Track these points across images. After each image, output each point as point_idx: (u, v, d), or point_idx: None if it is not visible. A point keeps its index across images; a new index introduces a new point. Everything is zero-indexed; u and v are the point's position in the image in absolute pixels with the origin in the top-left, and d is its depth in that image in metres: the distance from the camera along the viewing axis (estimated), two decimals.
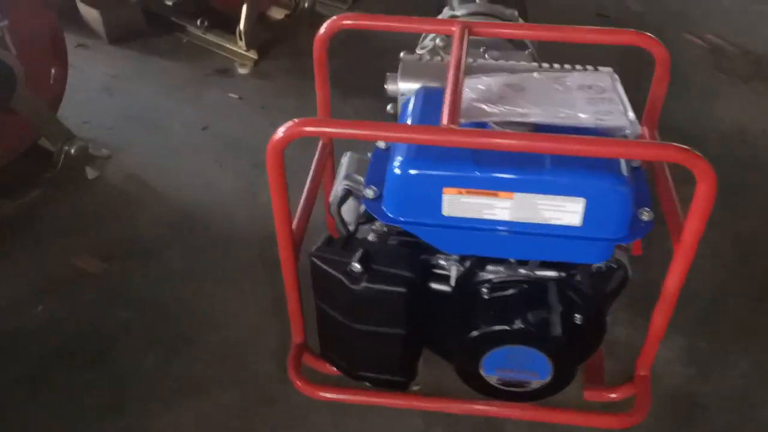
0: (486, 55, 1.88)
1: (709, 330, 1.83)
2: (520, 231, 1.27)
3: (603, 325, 1.43)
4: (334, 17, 1.57)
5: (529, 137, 1.18)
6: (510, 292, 1.39)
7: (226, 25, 3.08)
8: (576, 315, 1.36)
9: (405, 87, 1.50)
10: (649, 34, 1.49)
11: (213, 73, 2.97)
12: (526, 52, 1.97)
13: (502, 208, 1.25)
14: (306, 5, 3.17)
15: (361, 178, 1.56)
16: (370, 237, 1.47)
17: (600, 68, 1.48)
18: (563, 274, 1.37)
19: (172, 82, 2.92)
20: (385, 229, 1.47)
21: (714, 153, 1.23)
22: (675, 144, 1.15)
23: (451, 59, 1.39)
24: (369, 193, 1.35)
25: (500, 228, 1.28)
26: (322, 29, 1.58)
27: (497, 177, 1.23)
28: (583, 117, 1.26)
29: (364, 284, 1.36)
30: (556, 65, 1.50)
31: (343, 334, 1.47)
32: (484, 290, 1.40)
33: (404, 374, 1.52)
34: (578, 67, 1.49)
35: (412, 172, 1.25)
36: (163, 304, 1.98)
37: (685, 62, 2.95)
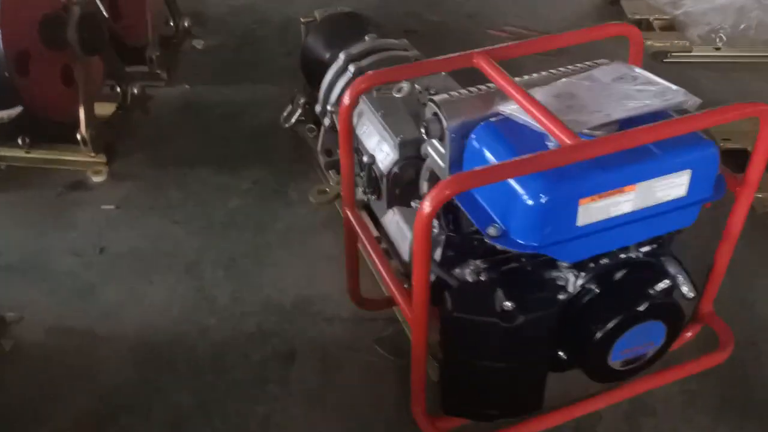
0: (431, 90, 1.98)
1: None
2: (641, 217, 1.37)
3: None
4: (354, 83, 1.52)
5: (646, 131, 1.28)
6: (618, 277, 1.48)
7: (51, 137, 2.68)
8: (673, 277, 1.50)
9: (453, 125, 1.49)
10: (625, 23, 1.68)
11: (64, 191, 2.57)
12: (443, 74, 2.10)
13: (626, 201, 1.34)
14: (136, 91, 2.90)
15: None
16: (472, 278, 1.46)
17: (596, 61, 1.63)
18: (655, 246, 1.50)
19: (21, 216, 2.46)
20: (483, 265, 1.47)
21: None
22: (747, 102, 1.34)
23: (505, 87, 1.43)
24: (492, 231, 1.34)
25: (625, 220, 1.36)
26: (346, 99, 1.51)
27: (622, 175, 1.31)
28: (653, 101, 1.39)
29: (521, 317, 1.35)
30: (560, 69, 1.62)
31: (488, 378, 1.44)
32: (593, 287, 1.48)
33: (542, 395, 1.54)
34: (578, 65, 1.62)
35: (548, 196, 1.27)
36: None
37: None
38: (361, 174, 2.11)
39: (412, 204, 1.63)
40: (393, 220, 1.60)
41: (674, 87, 1.46)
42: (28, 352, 1.95)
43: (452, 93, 1.56)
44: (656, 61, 3.19)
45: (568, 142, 1.26)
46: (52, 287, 2.15)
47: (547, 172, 1.28)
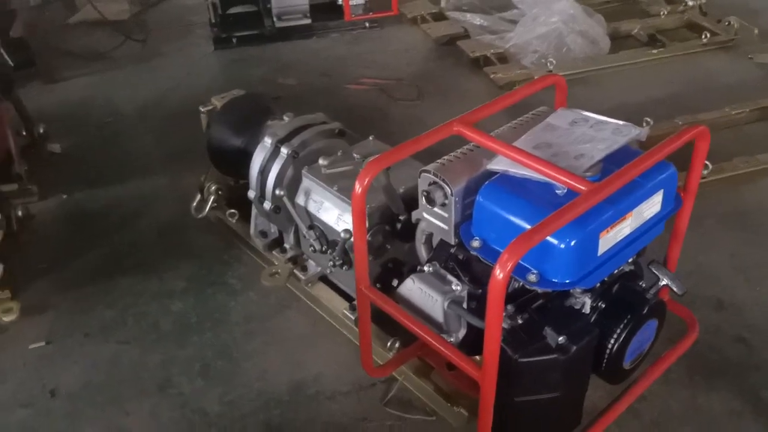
0: (355, 154, 2.13)
1: None
2: (635, 236, 1.61)
3: None
4: (367, 167, 1.60)
5: (634, 166, 1.51)
6: (620, 289, 1.71)
7: None
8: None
9: (457, 188, 1.63)
10: (554, 75, 1.92)
11: None
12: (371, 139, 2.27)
13: (626, 226, 1.57)
14: (20, 213, 2.67)
15: (452, 287, 1.66)
16: (506, 323, 1.60)
17: (538, 110, 1.86)
18: (637, 256, 1.76)
19: None
20: (512, 309, 1.62)
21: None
22: (690, 127, 1.64)
23: (497, 148, 1.61)
24: (532, 278, 1.49)
25: (626, 241, 1.59)
26: (359, 187, 1.59)
27: (625, 205, 1.53)
28: (619, 138, 1.64)
29: (574, 348, 1.52)
30: (514, 122, 1.83)
31: (543, 408, 1.59)
32: (600, 304, 1.69)
33: (581, 411, 1.72)
34: (526, 116, 1.85)
35: (577, 238, 1.46)
36: None
37: (371, 101, 3.50)
38: (323, 249, 2.17)
39: (426, 268, 1.73)
40: (415, 287, 1.69)
41: (620, 122, 1.72)
42: None
43: (440, 160, 1.70)
44: (506, 90, 3.57)
45: (583, 188, 1.46)
46: None
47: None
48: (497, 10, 4.30)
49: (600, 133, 1.69)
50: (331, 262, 2.13)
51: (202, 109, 2.64)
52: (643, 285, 1.76)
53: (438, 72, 3.80)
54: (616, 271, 1.71)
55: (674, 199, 1.71)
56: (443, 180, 1.63)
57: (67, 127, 3.42)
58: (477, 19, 4.14)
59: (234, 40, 4.07)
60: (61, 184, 3.03)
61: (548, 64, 3.61)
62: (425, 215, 1.73)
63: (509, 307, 1.61)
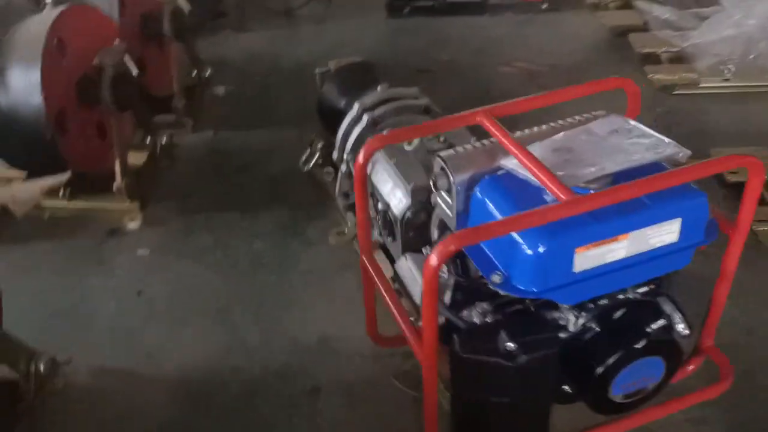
0: (441, 138, 2.11)
1: None
2: (635, 262, 1.47)
3: None
4: (369, 142, 1.65)
5: (634, 186, 1.39)
6: (617, 317, 1.58)
7: (88, 187, 2.85)
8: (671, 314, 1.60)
9: (459, 179, 1.61)
10: (621, 77, 1.79)
11: (104, 238, 2.74)
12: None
13: (619, 248, 1.44)
14: (165, 141, 3.07)
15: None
16: (479, 319, 1.57)
17: (594, 113, 1.75)
18: (652, 286, 1.60)
19: (66, 263, 2.63)
20: (489, 307, 1.58)
21: None
22: (737, 154, 1.45)
23: (505, 144, 1.56)
24: (496, 278, 1.45)
25: (620, 265, 1.46)
26: (362, 157, 1.65)
27: (615, 225, 1.42)
28: (646, 155, 1.50)
29: (523, 357, 1.46)
30: (559, 121, 1.74)
31: (495, 413, 1.56)
32: (594, 326, 1.58)
33: (546, 427, 1.64)
34: (577, 117, 1.74)
35: (545, 247, 1.38)
36: None
37: (514, 86, 3.43)
38: (377, 217, 2.24)
39: (423, 251, 1.75)
40: (405, 265, 1.73)
41: (666, 139, 1.56)
42: (78, 392, 2.09)
43: (458, 148, 1.68)
44: (665, 94, 3.29)
45: (563, 197, 1.37)
46: (97, 331, 2.31)
47: (545, 226, 1.40)
48: (698, 5, 3.92)
49: (634, 146, 1.56)
50: (377, 231, 2.20)
51: (317, 71, 2.81)
52: (663, 321, 1.60)
53: (598, 64, 3.59)
54: (621, 297, 1.59)
55: (705, 231, 1.52)
56: (449, 168, 1.63)
57: (235, 73, 3.82)
58: (664, 12, 3.82)
59: (407, 10, 4.19)
60: (213, 123, 3.42)
61: (725, 70, 3.24)
62: (437, 199, 1.74)
63: (485, 304, 1.58)
